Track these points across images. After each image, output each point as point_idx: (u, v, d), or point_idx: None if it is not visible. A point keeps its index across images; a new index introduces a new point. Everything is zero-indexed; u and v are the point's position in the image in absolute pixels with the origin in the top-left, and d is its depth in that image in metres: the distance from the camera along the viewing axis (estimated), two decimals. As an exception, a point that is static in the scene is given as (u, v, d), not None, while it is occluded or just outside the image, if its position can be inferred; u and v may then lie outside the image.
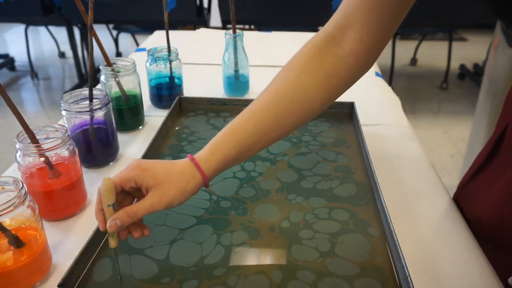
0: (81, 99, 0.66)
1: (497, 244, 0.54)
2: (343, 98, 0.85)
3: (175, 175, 0.47)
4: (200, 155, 0.50)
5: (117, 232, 0.46)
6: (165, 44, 0.87)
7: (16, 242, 0.45)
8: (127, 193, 0.48)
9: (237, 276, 0.47)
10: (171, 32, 0.88)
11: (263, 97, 0.53)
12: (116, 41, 3.00)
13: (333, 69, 0.52)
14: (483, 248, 0.54)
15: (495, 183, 0.56)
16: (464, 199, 0.62)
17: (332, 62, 0.52)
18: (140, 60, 0.89)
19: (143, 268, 0.48)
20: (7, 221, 0.44)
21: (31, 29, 3.39)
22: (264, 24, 2.54)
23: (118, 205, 0.47)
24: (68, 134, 0.56)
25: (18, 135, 0.53)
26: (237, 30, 0.90)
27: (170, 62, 0.87)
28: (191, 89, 0.96)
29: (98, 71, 0.77)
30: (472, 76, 2.97)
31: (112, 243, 0.46)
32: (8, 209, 0.43)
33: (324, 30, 0.54)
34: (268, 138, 0.52)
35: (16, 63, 3.19)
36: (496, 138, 0.57)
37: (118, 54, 3.13)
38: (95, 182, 0.65)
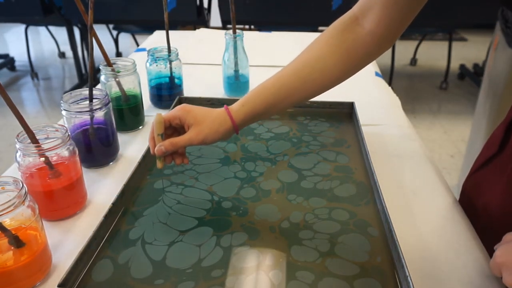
0: (81, 99, 0.66)
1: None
2: (343, 98, 0.86)
3: (211, 118, 0.58)
4: (233, 106, 0.59)
5: (162, 156, 0.58)
6: (165, 44, 0.87)
7: (16, 242, 0.45)
8: (174, 129, 0.60)
9: (235, 276, 0.47)
10: (171, 32, 0.88)
11: (291, 64, 0.60)
12: (116, 41, 3.00)
13: (352, 45, 0.58)
14: (488, 242, 0.53)
15: (502, 174, 0.56)
16: (473, 188, 0.62)
17: (353, 39, 0.58)
18: (140, 60, 0.89)
19: (139, 267, 0.48)
20: (7, 221, 0.44)
21: (31, 29, 3.39)
22: (264, 24, 2.54)
23: (166, 137, 0.58)
24: (68, 134, 0.56)
25: (18, 135, 0.53)
26: (237, 30, 0.90)
27: (170, 62, 0.87)
28: (191, 89, 0.96)
29: (98, 71, 0.77)
30: (472, 76, 2.98)
31: (159, 164, 0.58)
32: (8, 209, 0.43)
33: (350, 11, 0.60)
34: (290, 100, 0.60)
35: (16, 63, 3.19)
36: (506, 125, 0.58)
37: (118, 54, 3.13)
38: (95, 182, 0.65)
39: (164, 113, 0.76)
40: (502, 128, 0.58)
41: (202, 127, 0.57)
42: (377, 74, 1.09)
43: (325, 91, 0.61)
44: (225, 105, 0.59)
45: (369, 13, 0.57)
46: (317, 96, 0.81)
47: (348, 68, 0.60)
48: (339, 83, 0.61)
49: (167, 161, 0.59)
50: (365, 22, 0.58)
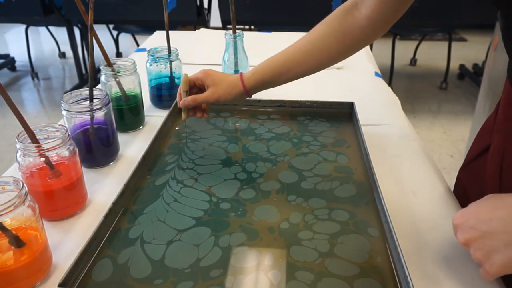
0: (81, 99, 0.66)
1: None
2: (343, 98, 0.86)
3: (226, 82, 0.69)
4: (246, 73, 0.70)
5: (186, 109, 0.73)
6: (165, 44, 0.87)
7: (17, 242, 0.45)
8: (198, 89, 0.73)
9: (234, 276, 0.47)
10: (171, 33, 0.88)
11: (297, 41, 0.68)
12: (116, 41, 3.00)
13: (350, 27, 0.64)
14: None
15: (497, 162, 0.56)
16: (467, 178, 0.64)
17: (351, 22, 0.64)
18: (140, 60, 0.89)
19: (139, 266, 0.48)
20: (7, 221, 0.44)
21: (32, 29, 3.39)
22: (264, 24, 2.54)
23: (191, 94, 0.72)
24: (69, 134, 0.56)
25: (18, 135, 0.53)
26: (237, 31, 0.90)
27: (170, 62, 0.87)
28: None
29: (98, 71, 0.77)
30: (471, 76, 2.98)
31: (183, 115, 0.73)
32: (9, 209, 0.43)
33: None
34: (294, 72, 0.68)
35: (17, 63, 3.19)
36: (496, 113, 0.59)
37: (119, 54, 3.13)
38: (96, 182, 0.65)
39: (165, 113, 0.78)
40: (493, 117, 0.59)
41: (217, 88, 0.69)
42: (376, 74, 1.09)
43: (325, 67, 0.68)
44: (240, 72, 0.70)
45: None
46: (317, 96, 0.82)
47: (345, 48, 0.66)
48: (338, 61, 0.68)
49: (190, 114, 0.74)
50: (362, 7, 0.63)
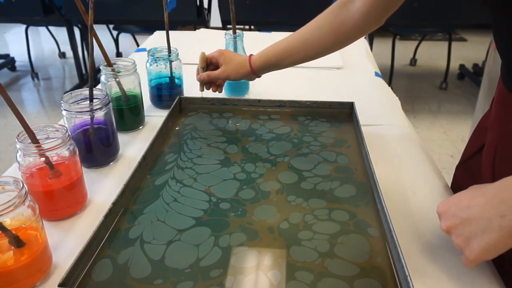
0: (81, 99, 0.66)
1: None
2: (343, 98, 0.86)
3: (236, 61, 0.79)
4: (254, 55, 0.78)
5: (203, 83, 0.83)
6: (165, 44, 0.87)
7: (17, 242, 0.45)
8: (215, 66, 0.82)
9: (234, 276, 0.47)
10: (171, 33, 0.88)
11: (299, 30, 0.74)
12: (116, 41, 3.00)
13: (344, 19, 0.69)
14: None
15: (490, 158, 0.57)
16: (463, 175, 0.64)
17: (345, 14, 0.68)
18: (140, 60, 0.89)
19: (138, 266, 0.48)
20: (7, 221, 0.44)
21: (32, 29, 3.39)
22: (264, 24, 2.54)
23: (208, 70, 0.82)
24: (69, 134, 0.56)
25: (18, 135, 0.53)
26: (237, 31, 0.90)
27: (170, 62, 0.87)
28: (191, 89, 0.96)
29: (98, 71, 0.77)
30: (471, 76, 2.98)
31: (200, 88, 0.84)
32: (9, 209, 0.43)
33: None
34: (294, 57, 0.75)
35: (17, 63, 3.19)
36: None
37: (119, 54, 3.13)
38: (96, 182, 0.65)
39: (165, 113, 0.77)
40: (488, 115, 0.59)
41: (227, 67, 0.78)
42: (376, 74, 1.09)
43: (323, 55, 0.74)
44: (250, 54, 0.78)
45: None
46: (317, 96, 0.83)
47: (339, 39, 0.71)
48: (333, 50, 0.73)
49: (206, 87, 0.83)
50: (356, 1, 0.67)
